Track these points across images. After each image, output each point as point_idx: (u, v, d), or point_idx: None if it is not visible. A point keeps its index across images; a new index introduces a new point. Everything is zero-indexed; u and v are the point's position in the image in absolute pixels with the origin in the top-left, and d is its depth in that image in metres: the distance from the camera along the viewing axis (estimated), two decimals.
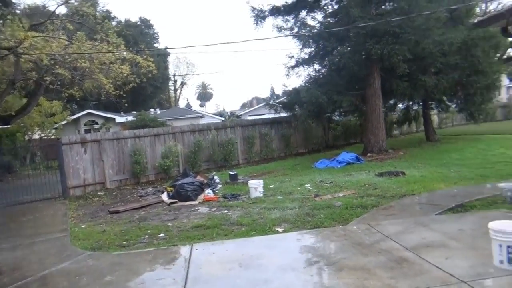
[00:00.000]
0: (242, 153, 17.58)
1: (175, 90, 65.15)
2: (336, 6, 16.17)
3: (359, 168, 12.87)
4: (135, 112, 33.61)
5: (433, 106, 20.61)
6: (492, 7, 24.46)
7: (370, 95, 15.68)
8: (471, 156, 13.29)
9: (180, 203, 9.69)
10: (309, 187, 10.20)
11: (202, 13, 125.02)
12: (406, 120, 22.60)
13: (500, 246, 3.88)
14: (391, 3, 15.06)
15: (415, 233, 5.29)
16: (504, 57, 23.97)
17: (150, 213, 9.04)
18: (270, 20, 16.74)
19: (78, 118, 32.93)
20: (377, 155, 15.27)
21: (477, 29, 14.24)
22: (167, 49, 43.45)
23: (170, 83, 60.64)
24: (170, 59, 55.10)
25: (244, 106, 73.03)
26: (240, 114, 46.88)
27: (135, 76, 17.45)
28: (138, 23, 48.09)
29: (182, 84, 64.81)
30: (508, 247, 3.82)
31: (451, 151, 14.77)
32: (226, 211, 8.36)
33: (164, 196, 10.51)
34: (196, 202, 9.64)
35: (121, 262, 5.39)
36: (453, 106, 20.72)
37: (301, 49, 16.91)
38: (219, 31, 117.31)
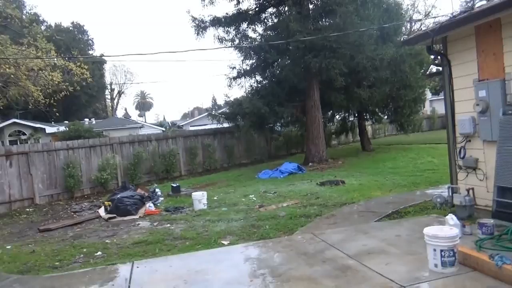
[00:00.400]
0: (185, 165, 17.22)
1: (112, 99, 62.52)
2: (276, 20, 16.62)
3: (301, 177, 13.17)
4: (67, 122, 31.65)
5: (368, 117, 21.83)
6: (416, 26, 26.69)
7: (310, 106, 16.21)
8: (403, 164, 14.19)
9: (119, 218, 9.20)
10: (253, 198, 10.21)
11: (143, 21, 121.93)
12: (344, 130, 23.69)
13: (434, 250, 4.13)
14: (327, 19, 15.78)
15: (357, 240, 5.47)
16: (428, 73, 26.13)
17: (86, 230, 8.47)
18: (212, 30, 16.79)
19: (2, 128, 30.26)
20: (318, 164, 15.76)
21: (405, 46, 15.42)
22: (103, 57, 41.66)
23: (107, 91, 58.11)
24: (107, 67, 52.94)
25: (185, 116, 72.01)
26: (181, 124, 46.10)
27: (67, 84, 16.46)
28: (71, 28, 45.66)
29: (120, 93, 62.40)
30: (442, 251, 4.07)
31: (385, 160, 15.67)
32: (169, 225, 8.07)
33: (102, 211, 9.91)
34: (136, 217, 9.21)
35: (53, 286, 4.95)
36: (385, 117, 22.12)
37: (242, 60, 17.13)
38: (162, 40, 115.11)
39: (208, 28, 16.55)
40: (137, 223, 8.63)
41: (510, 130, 5.45)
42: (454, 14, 6.51)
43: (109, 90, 59.65)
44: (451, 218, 5.16)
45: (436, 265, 4.12)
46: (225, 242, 6.41)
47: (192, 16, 16.35)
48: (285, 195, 10.14)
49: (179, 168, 16.88)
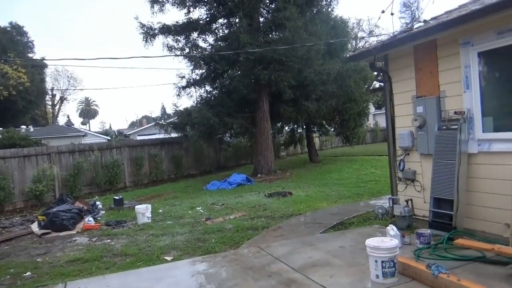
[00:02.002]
0: (130, 176, 16.54)
1: (53, 105, 58.96)
2: (226, 31, 16.64)
3: (250, 189, 13.12)
4: (1, 129, 29.29)
5: (315, 129, 22.39)
6: (360, 44, 28.03)
7: (260, 118, 16.31)
8: (348, 175, 14.64)
9: (54, 234, 8.55)
10: (200, 210, 9.97)
11: (91, 26, 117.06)
12: (292, 142, 24.09)
13: (376, 261, 4.20)
14: (277, 33, 16.07)
15: (302, 253, 5.47)
16: (371, 88, 27.44)
17: (16, 247, 7.76)
18: (161, 38, 16.43)
19: None
20: (267, 176, 15.82)
21: (350, 62, 16.08)
22: (44, 60, 39.22)
23: (48, 97, 54.69)
24: (48, 71, 49.89)
25: (133, 125, 69.71)
26: (128, 133, 44.55)
27: (1, 88, 15.23)
28: (8, 28, 42.62)
29: (62, 99, 59.02)
30: (383, 262, 4.15)
31: (331, 171, 16.09)
32: (109, 241, 7.62)
33: (35, 227, 9.17)
34: (73, 232, 8.61)
35: None
36: (332, 130, 22.83)
37: (192, 70, 16.90)
38: (112, 46, 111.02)
39: (157, 35, 16.19)
40: (74, 239, 8.06)
41: (443, 144, 5.77)
42: (395, 33, 6.86)
43: (50, 96, 56.21)
44: (391, 229, 5.33)
45: (377, 276, 4.19)
46: (169, 258, 6.14)
47: (141, 23, 15.92)
48: (232, 207, 10.01)
49: (123, 180, 16.17)
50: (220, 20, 16.99)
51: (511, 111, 5.12)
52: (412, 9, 6.94)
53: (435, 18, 6.63)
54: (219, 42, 16.64)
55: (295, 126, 21.88)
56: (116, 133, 47.71)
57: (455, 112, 5.68)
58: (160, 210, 10.25)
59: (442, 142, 5.80)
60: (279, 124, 20.87)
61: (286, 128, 22.64)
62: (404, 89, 6.72)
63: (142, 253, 6.50)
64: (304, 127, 21.76)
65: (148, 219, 8.97)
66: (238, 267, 5.11)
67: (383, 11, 6.74)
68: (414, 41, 6.21)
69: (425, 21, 6.43)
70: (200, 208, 10.25)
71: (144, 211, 8.99)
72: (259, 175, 15.92)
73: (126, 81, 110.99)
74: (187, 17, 16.41)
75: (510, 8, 4.71)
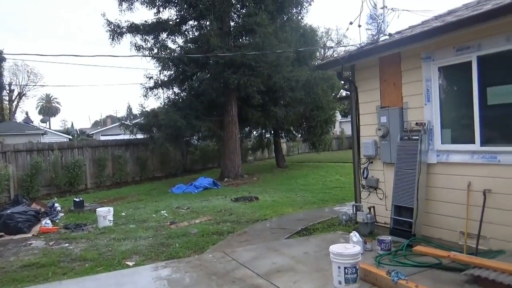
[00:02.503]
0: (92, 177, 16.01)
1: (11, 101, 56.13)
2: (196, 33, 16.51)
3: (216, 193, 13.04)
4: None
5: (283, 135, 22.61)
6: (329, 53, 28.65)
7: (228, 122, 16.27)
8: (313, 182, 14.86)
9: (7, 237, 8.11)
10: (165, 214, 9.79)
11: (56, 21, 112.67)
12: (260, 147, 24.20)
13: (339, 267, 4.28)
14: (248, 38, 16.13)
15: (267, 258, 5.49)
16: (338, 96, 28.08)
17: None
18: (129, 37, 16.09)
19: None
20: (233, 180, 15.78)
21: (318, 70, 16.40)
22: (1, 54, 37.24)
23: (5, 92, 51.98)
24: (6, 65, 47.45)
25: (97, 124, 67.59)
26: (91, 133, 43.16)
27: None
28: None
29: (21, 95, 56.32)
30: (345, 268, 4.24)
31: (298, 177, 16.28)
32: (67, 245, 7.32)
33: None
34: (29, 235, 8.21)
35: None
36: (299, 136, 23.13)
37: (160, 71, 16.64)
38: (77, 42, 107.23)
39: (125, 34, 15.84)
40: (29, 242, 7.67)
41: (405, 154, 5.98)
42: (361, 45, 7.06)
43: (8, 91, 53.48)
44: (354, 235, 5.45)
45: (340, 282, 4.27)
46: (130, 263, 5.98)
47: (108, 20, 15.52)
48: (198, 211, 9.90)
49: (84, 181, 15.63)
50: (191, 22, 16.85)
51: (467, 124, 5.38)
52: (378, 22, 7.20)
53: (399, 32, 6.89)
54: (188, 44, 16.48)
55: (263, 131, 22.01)
56: (78, 132, 46.06)
57: (417, 124, 5.91)
58: (123, 213, 9.98)
59: (404, 151, 6.01)
60: (247, 129, 20.92)
61: (254, 132, 22.73)
62: (369, 99, 6.92)
63: (102, 258, 6.29)
64: (272, 132, 21.92)
65: (110, 223, 8.70)
66: (202, 273, 5.05)
67: (351, 23, 6.94)
68: (380, 53, 6.42)
69: (390, 34, 6.67)
70: (165, 211, 10.07)
71: (105, 214, 8.72)
72: (226, 179, 15.86)
73: (91, 78, 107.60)
74: (156, 17, 16.17)
75: (467, 27, 4.97)
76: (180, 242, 7.01)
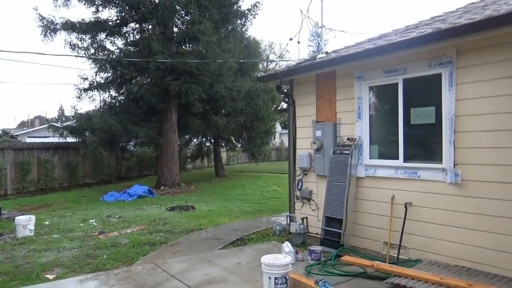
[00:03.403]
0: (13, 182, 14.73)
1: None
2: (137, 36, 16.04)
3: (151, 201, 12.63)
4: None
5: (223, 144, 22.60)
6: (271, 65, 29.29)
7: (167, 129, 15.92)
8: (251, 192, 14.98)
9: None
10: (94, 223, 9.26)
11: None
12: (200, 155, 23.96)
13: (269, 278, 4.33)
14: (191, 45, 16.00)
15: (199, 269, 5.39)
16: (279, 108, 28.74)
17: None
18: (63, 35, 15.20)
19: None
20: (170, 188, 15.41)
21: (260, 82, 16.70)
22: None
23: None
24: None
25: (23, 125, 62.50)
26: (16, 134, 39.81)
27: None
28: None
29: None
30: (276, 278, 4.29)
31: (236, 187, 16.31)
32: None
33: None
34: None
35: None
36: (239, 146, 23.27)
37: (97, 72, 15.87)
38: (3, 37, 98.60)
39: (59, 31, 14.95)
40: None
41: (336, 167, 6.26)
42: (300, 61, 7.31)
43: None
44: (286, 246, 5.56)
45: None
46: (51, 276, 5.55)
47: (40, 15, 14.56)
48: (130, 221, 9.50)
49: (4, 186, 14.34)
50: (132, 25, 16.34)
51: (392, 141, 5.77)
52: (317, 40, 7.51)
53: (335, 51, 7.25)
54: (129, 47, 15.94)
55: (204, 139, 21.84)
56: (1, 133, 42.29)
57: (348, 139, 6.22)
58: (46, 222, 9.28)
59: (336, 165, 6.29)
60: (187, 136, 20.63)
61: (195, 140, 22.46)
62: (306, 113, 7.16)
63: (18, 271, 5.77)
64: (212, 141, 21.82)
65: (31, 232, 8.03)
66: (129, 286, 4.83)
67: (290, 39, 7.17)
68: (316, 70, 6.70)
69: (326, 52, 6.99)
70: (94, 220, 9.53)
71: (25, 222, 8.03)
72: (162, 187, 15.43)
73: (19, 76, 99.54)
74: (95, 16, 15.47)
75: (394, 52, 5.37)
76: (108, 253, 6.66)
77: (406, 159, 5.54)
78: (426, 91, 5.45)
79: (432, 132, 5.28)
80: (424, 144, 5.54)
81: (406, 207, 5.41)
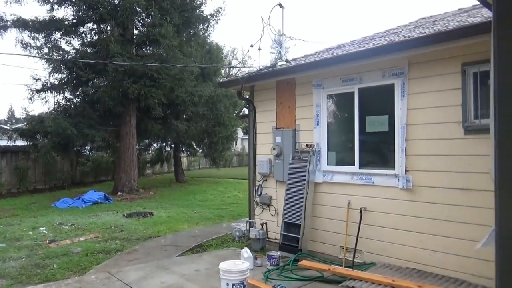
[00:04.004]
0: None
1: None
2: (95, 37, 15.53)
3: (107, 208, 12.20)
4: None
5: (184, 149, 22.28)
6: (234, 71, 29.37)
7: (125, 133, 15.47)
8: (212, 197, 14.85)
9: None
10: (44, 231, 8.80)
11: None
12: (159, 160, 23.46)
13: (227, 284, 4.30)
14: (151, 48, 15.71)
15: (156, 277, 5.27)
16: (241, 114, 28.81)
17: None
18: (14, 32, 14.43)
19: None
20: (128, 194, 14.96)
21: (221, 88, 16.67)
22: None
23: None
24: None
25: None
26: None
27: None
28: None
29: None
30: (234, 285, 4.28)
31: (196, 193, 16.10)
32: None
33: None
34: None
35: None
36: (200, 151, 23.04)
37: (50, 73, 15.15)
38: None
39: (10, 29, 14.18)
40: None
41: (295, 173, 6.36)
42: (261, 67, 7.39)
43: None
44: (245, 251, 5.55)
45: None
46: None
47: None
48: (84, 228, 9.12)
49: None
50: (89, 25, 15.79)
51: (349, 148, 5.96)
52: (278, 47, 7.63)
53: (295, 59, 7.39)
54: (86, 48, 15.39)
55: (164, 144, 21.42)
56: None
57: (307, 145, 6.35)
58: None
59: (295, 171, 6.39)
60: (146, 141, 20.15)
61: (155, 145, 21.98)
62: (266, 119, 7.23)
63: None
64: (173, 146, 21.47)
65: None
66: None
67: (252, 45, 7.23)
68: (277, 77, 6.80)
69: (287, 60, 7.12)
70: (44, 228, 9.05)
71: None
72: (119, 193, 14.94)
73: None
74: (50, 14, 14.80)
75: (350, 62, 5.57)
76: (59, 262, 6.34)
77: (361, 166, 5.73)
78: (380, 100, 5.68)
79: (386, 139, 5.51)
80: (379, 151, 5.76)
81: (361, 212, 5.59)
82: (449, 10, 6.85)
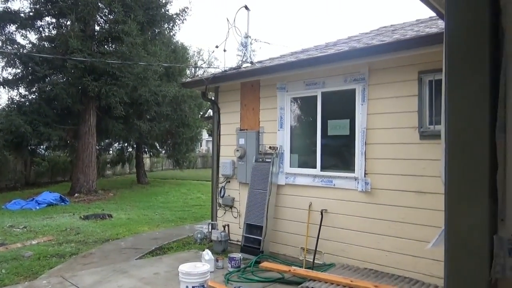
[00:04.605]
0: None
1: None
2: (54, 32, 14.89)
3: (63, 210, 11.70)
4: None
5: (146, 150, 21.79)
6: (200, 72, 29.08)
7: (84, 132, 14.92)
8: (174, 199, 14.60)
9: None
10: None
11: None
12: (120, 161, 22.79)
13: (187, 287, 4.23)
14: (113, 45, 15.26)
15: (113, 281, 5.10)
16: (206, 115, 28.57)
17: None
18: None
19: None
20: (86, 195, 14.42)
21: (186, 88, 16.47)
22: None
23: None
24: None
25: None
26: None
27: None
28: None
29: None
30: (193, 287, 4.21)
31: (158, 194, 15.79)
32: None
33: None
34: None
35: None
36: (163, 152, 22.62)
37: (3, 67, 14.38)
38: None
39: None
40: None
41: (258, 175, 6.38)
42: (226, 69, 7.36)
43: None
44: (206, 254, 5.49)
45: None
46: None
47: None
48: (37, 231, 8.69)
49: None
50: (48, 19, 15.14)
51: (311, 151, 6.05)
52: (244, 50, 7.63)
53: (260, 62, 7.43)
54: (43, 42, 14.72)
55: (125, 144, 20.85)
56: None
57: (270, 147, 6.38)
58: None
59: (258, 173, 6.40)
60: (107, 141, 19.53)
61: (116, 145, 21.35)
62: (230, 121, 7.20)
63: None
64: (135, 146, 20.93)
65: None
66: None
67: (217, 46, 7.19)
68: (241, 79, 6.79)
69: (252, 62, 7.14)
70: None
71: None
72: (77, 195, 14.37)
73: None
74: (4, 5, 14.06)
75: (313, 66, 5.67)
76: (8, 267, 5.99)
77: (323, 168, 5.83)
78: (342, 105, 5.81)
79: (347, 143, 5.64)
80: (340, 154, 5.89)
81: (322, 214, 5.68)
82: (408, 20, 7.15)
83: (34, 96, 15.21)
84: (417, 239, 4.74)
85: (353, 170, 5.46)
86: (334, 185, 5.64)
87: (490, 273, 1.33)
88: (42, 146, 16.49)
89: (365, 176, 5.29)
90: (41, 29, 14.99)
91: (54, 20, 15.07)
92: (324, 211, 5.69)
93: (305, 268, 5.46)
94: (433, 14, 3.84)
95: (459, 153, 1.41)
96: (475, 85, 1.37)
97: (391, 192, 5.06)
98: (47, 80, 14.46)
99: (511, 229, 1.37)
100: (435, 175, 4.51)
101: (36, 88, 14.93)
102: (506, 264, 1.36)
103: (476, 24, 1.36)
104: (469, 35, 1.38)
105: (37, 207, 11.94)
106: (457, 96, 1.42)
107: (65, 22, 14.57)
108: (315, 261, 5.62)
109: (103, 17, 15.56)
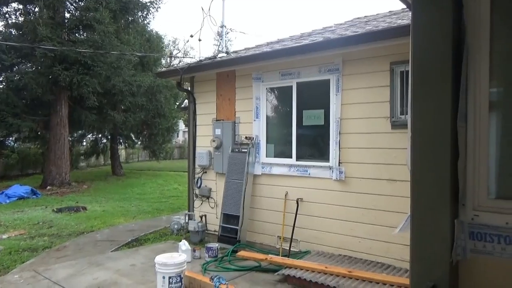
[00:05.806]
0: None
1: None
2: (21, 19, 14.31)
3: (35, 203, 11.39)
4: None
5: (121, 141, 21.40)
6: (175, 62, 28.64)
7: (56, 123, 14.50)
8: (151, 190, 14.46)
9: None
10: None
11: None
12: (95, 152, 22.28)
13: (163, 277, 4.24)
14: (85, 34, 14.81)
15: (88, 274, 5.04)
16: (182, 106, 28.25)
17: None
18: None
19: None
20: (59, 188, 14.08)
21: (162, 78, 16.21)
22: None
23: None
24: None
25: None
26: None
27: None
28: None
29: None
30: (170, 278, 4.22)
31: (134, 186, 15.58)
32: None
33: None
34: None
35: None
36: (139, 143, 22.27)
37: None
38: None
39: None
40: None
41: (234, 165, 6.40)
42: (201, 58, 7.29)
43: None
44: (183, 244, 5.51)
45: None
46: None
47: None
48: (8, 225, 8.45)
49: None
50: (14, 5, 14.51)
51: (286, 141, 6.11)
52: (219, 39, 7.57)
53: (236, 52, 7.39)
54: (10, 30, 14.13)
55: (99, 135, 20.40)
56: None
57: (246, 137, 6.40)
58: None
59: (234, 163, 6.42)
60: (80, 132, 19.06)
61: (89, 136, 20.85)
62: (206, 111, 7.17)
63: None
64: (110, 137, 20.51)
65: None
66: None
67: (191, 36, 7.12)
68: (217, 69, 6.75)
69: (227, 52, 7.09)
70: None
71: None
72: (49, 187, 14.02)
73: None
74: None
75: (289, 57, 5.69)
76: None
77: (298, 158, 5.90)
78: (317, 95, 5.88)
79: (322, 133, 5.72)
80: (315, 144, 5.98)
81: (297, 202, 5.77)
82: (381, 12, 7.25)
83: (1, 86, 14.64)
84: (389, 226, 4.89)
85: (327, 160, 5.55)
86: (309, 174, 5.73)
87: (451, 255, 1.41)
88: (11, 138, 15.93)
89: (339, 165, 5.39)
90: (7, 15, 14.38)
91: (21, 7, 14.46)
92: (299, 200, 5.78)
93: (281, 256, 5.55)
94: (405, 6, 3.92)
95: (423, 142, 1.47)
96: (439, 76, 1.43)
97: (364, 181, 5.19)
98: (15, 69, 13.93)
99: (471, 213, 1.45)
100: (405, 163, 4.65)
101: (3, 78, 14.37)
102: (467, 247, 1.44)
103: (440, 17, 1.42)
104: (433, 28, 1.44)
105: (7, 201, 11.58)
106: (421, 86, 1.47)
107: (33, 9, 14.01)
108: (291, 249, 5.72)
109: (73, 4, 15.06)
